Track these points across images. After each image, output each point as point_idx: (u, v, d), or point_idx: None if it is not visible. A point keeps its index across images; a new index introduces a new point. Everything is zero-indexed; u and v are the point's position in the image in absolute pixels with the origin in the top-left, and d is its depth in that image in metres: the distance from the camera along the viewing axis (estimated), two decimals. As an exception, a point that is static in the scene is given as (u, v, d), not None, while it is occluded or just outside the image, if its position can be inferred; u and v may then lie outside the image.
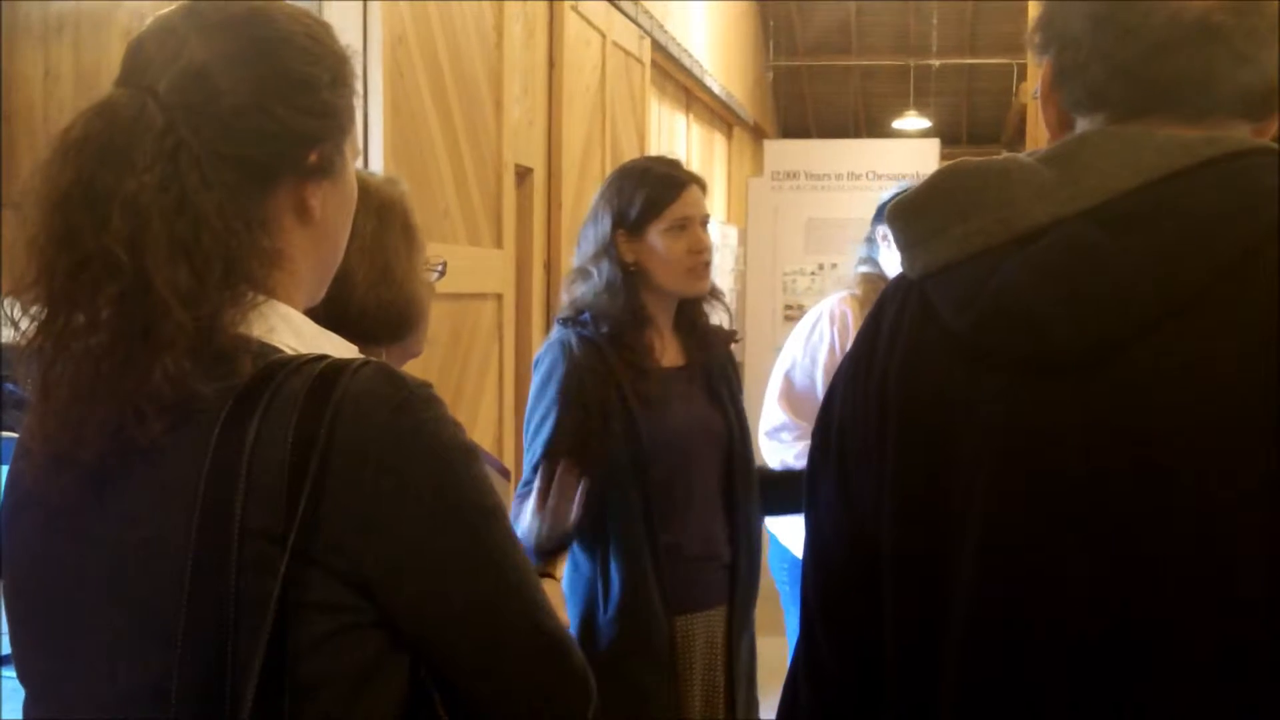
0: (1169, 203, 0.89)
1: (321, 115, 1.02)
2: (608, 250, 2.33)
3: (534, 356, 2.38)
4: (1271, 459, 0.83)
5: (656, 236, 2.31)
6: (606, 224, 2.34)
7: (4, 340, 0.95)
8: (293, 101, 0.99)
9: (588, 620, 2.26)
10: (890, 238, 1.44)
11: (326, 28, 1.05)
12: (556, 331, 2.36)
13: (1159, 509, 0.86)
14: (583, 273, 2.37)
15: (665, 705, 2.24)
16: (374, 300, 1.44)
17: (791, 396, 3.20)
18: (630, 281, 2.32)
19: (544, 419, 2.26)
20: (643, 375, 2.30)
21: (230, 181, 0.96)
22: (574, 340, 2.30)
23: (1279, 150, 0.91)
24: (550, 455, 2.16)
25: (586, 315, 2.33)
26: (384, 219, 1.48)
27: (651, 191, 2.33)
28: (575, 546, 2.25)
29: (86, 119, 0.95)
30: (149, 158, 0.92)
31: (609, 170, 5.34)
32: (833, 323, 3.17)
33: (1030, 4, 6.28)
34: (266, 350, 0.95)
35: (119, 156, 0.92)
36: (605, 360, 2.27)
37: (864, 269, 3.29)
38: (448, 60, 3.56)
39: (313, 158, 1.02)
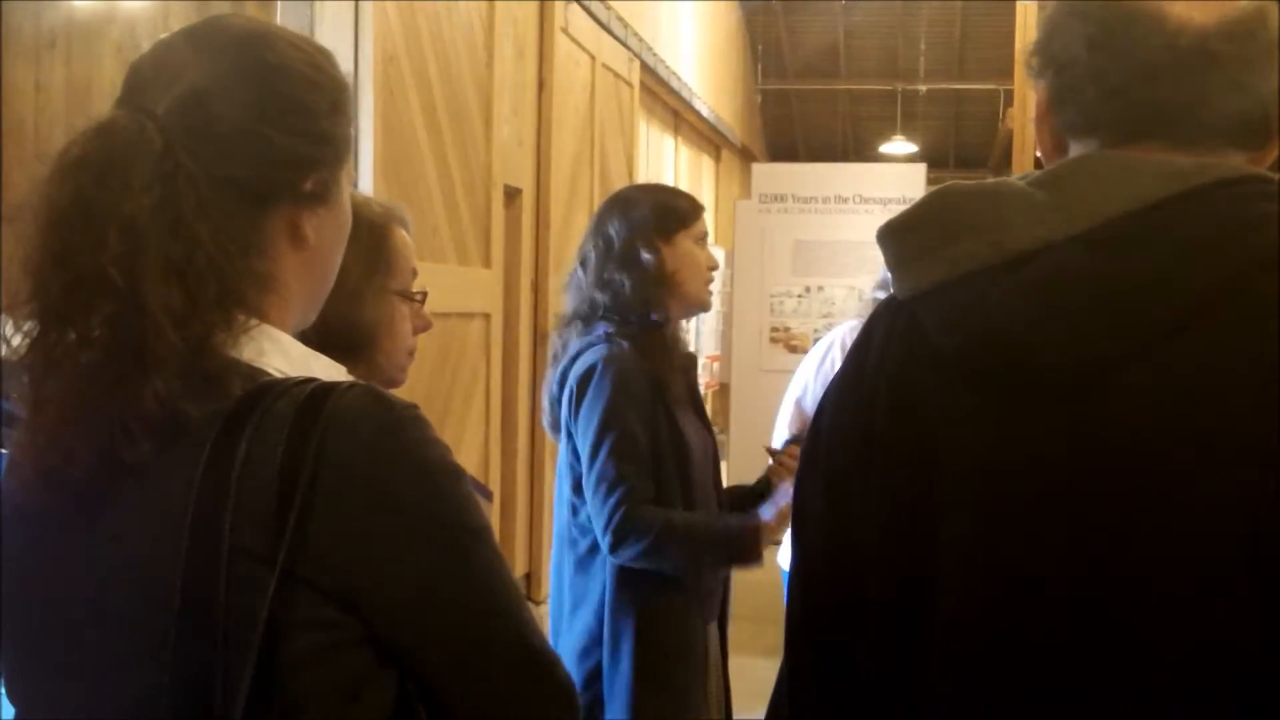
0: (1161, 228, 0.89)
1: (319, 142, 1.02)
2: (636, 254, 2.25)
3: (577, 372, 2.25)
4: (1261, 482, 0.83)
5: (690, 242, 2.31)
6: (625, 231, 2.27)
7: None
8: (291, 127, 1.00)
9: (645, 623, 2.21)
10: None
11: (327, 55, 1.06)
12: (604, 346, 2.23)
13: (1147, 532, 0.86)
14: (602, 284, 2.28)
15: (702, 709, 2.27)
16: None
17: (803, 422, 3.25)
18: (660, 284, 2.26)
19: (621, 432, 2.18)
20: (677, 376, 2.31)
21: (226, 205, 0.96)
22: (623, 351, 2.22)
23: (1270, 178, 0.92)
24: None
25: (633, 318, 2.25)
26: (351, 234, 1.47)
27: (682, 202, 2.36)
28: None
29: (85, 139, 0.94)
30: (147, 180, 0.92)
31: (597, 190, 5.38)
32: (844, 351, 3.20)
33: (1018, 32, 6.33)
34: (255, 373, 0.95)
35: (117, 178, 0.92)
36: (646, 365, 2.22)
37: (879, 293, 3.33)
38: (438, 79, 3.57)
39: (308, 184, 1.02)
